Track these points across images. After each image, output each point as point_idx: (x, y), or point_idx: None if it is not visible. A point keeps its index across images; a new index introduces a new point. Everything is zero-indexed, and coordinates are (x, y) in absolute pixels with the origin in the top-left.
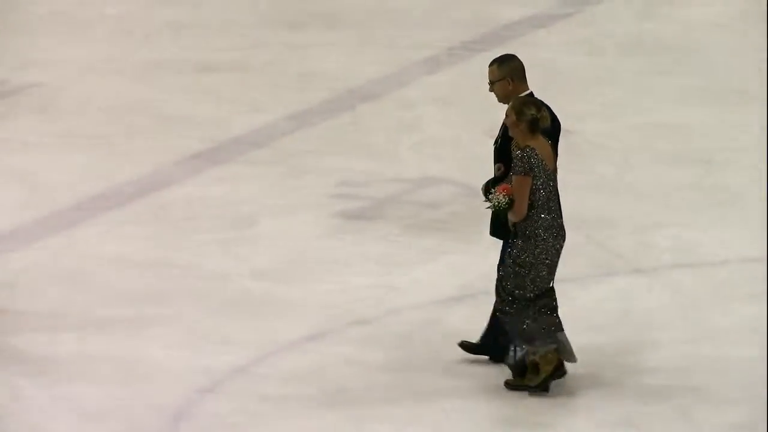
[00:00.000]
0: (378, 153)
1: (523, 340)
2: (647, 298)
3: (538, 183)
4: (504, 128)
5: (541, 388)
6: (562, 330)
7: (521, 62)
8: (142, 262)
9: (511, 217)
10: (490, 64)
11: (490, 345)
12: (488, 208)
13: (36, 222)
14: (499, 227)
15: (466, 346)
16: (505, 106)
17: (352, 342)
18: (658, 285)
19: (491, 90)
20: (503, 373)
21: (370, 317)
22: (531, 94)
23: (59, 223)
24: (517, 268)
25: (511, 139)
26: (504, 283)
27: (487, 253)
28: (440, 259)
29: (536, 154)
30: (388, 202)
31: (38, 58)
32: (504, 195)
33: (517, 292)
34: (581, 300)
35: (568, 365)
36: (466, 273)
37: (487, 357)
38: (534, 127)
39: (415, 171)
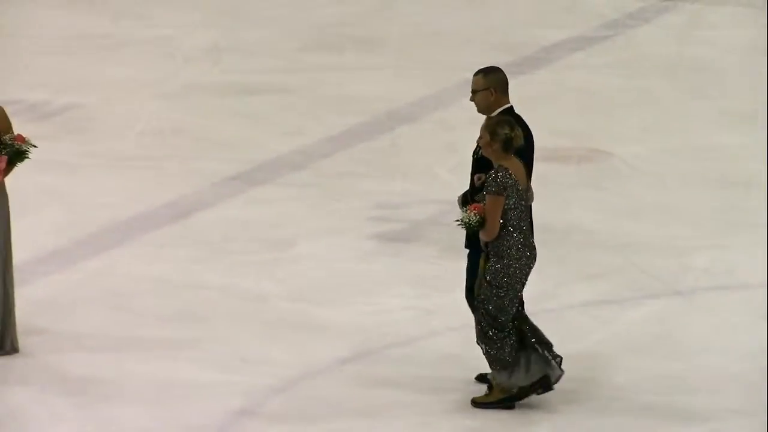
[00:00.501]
0: (416, 175)
1: (500, 368)
2: (685, 320)
3: (511, 203)
4: None
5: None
6: (529, 348)
7: (506, 76)
8: (181, 284)
9: (482, 236)
10: (475, 74)
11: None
12: (459, 225)
13: (75, 243)
14: (474, 241)
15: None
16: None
17: (389, 364)
18: (695, 307)
19: (472, 99)
20: (554, 397)
21: (406, 339)
22: (511, 108)
23: (98, 245)
24: (494, 290)
25: None
26: (486, 306)
27: None
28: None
29: (509, 174)
30: (425, 225)
31: (79, 80)
32: (475, 213)
33: (501, 318)
34: (620, 322)
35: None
36: None
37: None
38: (507, 146)
39: (453, 193)
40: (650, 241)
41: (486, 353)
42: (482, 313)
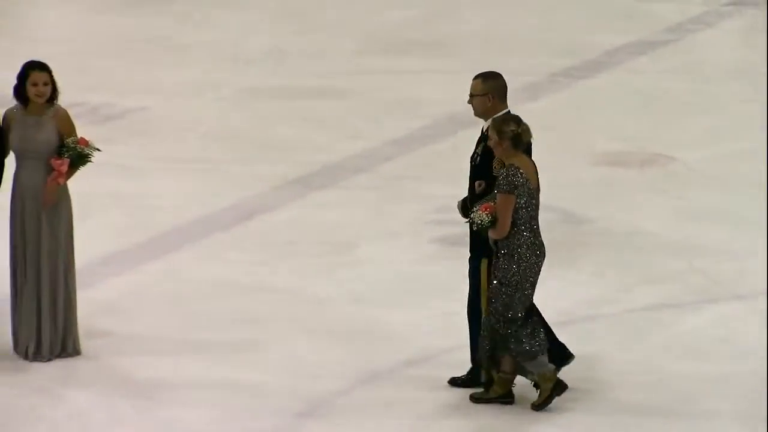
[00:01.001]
0: None
1: (529, 358)
2: (747, 324)
3: (522, 202)
4: (483, 145)
5: (542, 406)
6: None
7: (505, 82)
8: (243, 287)
9: (493, 235)
10: (475, 78)
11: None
12: (472, 226)
13: (137, 246)
14: (478, 246)
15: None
16: (481, 121)
17: (450, 367)
18: (756, 311)
19: (470, 102)
20: (618, 400)
21: (466, 343)
22: (509, 113)
23: (160, 248)
24: (503, 288)
25: (491, 156)
26: (494, 305)
27: (587, 280)
28: (541, 284)
29: (521, 173)
30: None
31: (141, 83)
32: (486, 213)
33: (509, 313)
34: (682, 326)
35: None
36: (565, 299)
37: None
38: (517, 142)
39: None
40: (712, 245)
41: (514, 353)
42: (491, 312)
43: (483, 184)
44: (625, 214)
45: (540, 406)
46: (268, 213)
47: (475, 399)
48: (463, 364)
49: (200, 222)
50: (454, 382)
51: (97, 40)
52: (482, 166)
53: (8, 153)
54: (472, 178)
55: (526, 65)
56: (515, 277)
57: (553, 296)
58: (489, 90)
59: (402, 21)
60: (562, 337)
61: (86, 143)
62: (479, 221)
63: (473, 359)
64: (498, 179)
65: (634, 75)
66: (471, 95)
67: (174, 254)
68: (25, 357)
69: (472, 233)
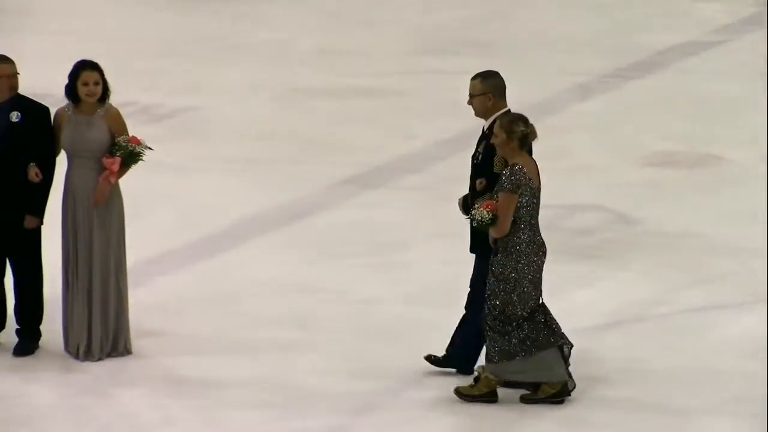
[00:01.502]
0: None
1: (505, 358)
2: None
3: (523, 200)
4: (484, 144)
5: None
6: (551, 347)
7: (503, 80)
8: (293, 287)
9: (493, 233)
10: (473, 78)
11: (456, 357)
12: (473, 223)
13: (188, 245)
14: (479, 244)
15: (432, 360)
16: (482, 120)
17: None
18: None
19: (469, 103)
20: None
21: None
22: (509, 112)
23: (211, 247)
24: (501, 285)
25: (492, 154)
26: (492, 301)
27: (637, 281)
28: (591, 285)
29: (524, 172)
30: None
31: (193, 83)
32: (487, 211)
33: (507, 309)
34: (732, 327)
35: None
36: (617, 300)
37: (454, 369)
38: (524, 143)
39: (567, 197)
40: (763, 246)
41: (490, 346)
42: (489, 308)
43: (484, 182)
44: (675, 215)
45: (463, 396)
46: (319, 213)
47: (460, 394)
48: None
49: (251, 222)
50: (431, 359)
51: (149, 39)
52: (484, 164)
53: (59, 152)
54: (474, 177)
55: (576, 66)
56: (512, 274)
57: (602, 297)
58: (488, 89)
59: (454, 21)
60: (612, 337)
61: (138, 142)
62: (479, 218)
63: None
64: (501, 178)
65: (685, 75)
66: (471, 95)
67: (225, 254)
68: (76, 356)
69: (476, 230)
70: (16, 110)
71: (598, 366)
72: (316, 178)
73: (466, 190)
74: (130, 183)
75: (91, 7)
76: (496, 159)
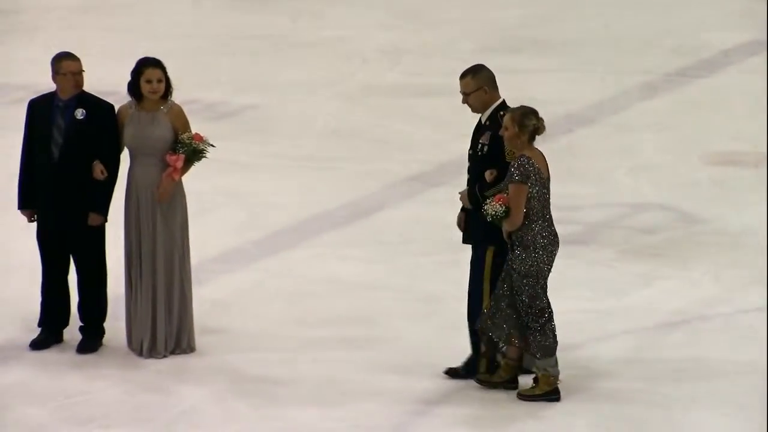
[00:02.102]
0: (594, 177)
1: (545, 355)
2: None
3: (534, 191)
4: (490, 135)
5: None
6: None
7: (491, 71)
8: (357, 284)
9: (507, 226)
10: (462, 77)
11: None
12: (485, 217)
13: (252, 243)
14: (466, 233)
15: (451, 372)
16: (477, 115)
17: (563, 367)
18: None
19: (465, 102)
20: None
21: (581, 342)
22: (504, 102)
23: (275, 245)
24: (524, 280)
25: (500, 144)
26: (520, 298)
27: (701, 280)
28: (655, 284)
29: (532, 163)
30: (601, 227)
31: (257, 80)
32: (500, 204)
33: (535, 303)
34: None
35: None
36: (681, 299)
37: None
38: (533, 136)
39: (631, 196)
40: None
41: (532, 342)
42: (519, 304)
43: (495, 173)
44: (739, 214)
45: (525, 397)
46: (383, 211)
47: (480, 381)
48: (576, 363)
49: (315, 219)
50: (451, 372)
51: (213, 36)
52: (491, 155)
53: (123, 149)
54: (475, 169)
55: (641, 64)
56: (534, 267)
57: (666, 296)
58: (482, 83)
59: (518, 19)
60: (674, 336)
61: (201, 139)
62: (493, 212)
63: (474, 347)
64: (510, 170)
65: (749, 75)
66: (465, 94)
67: (289, 252)
68: (140, 353)
69: (475, 223)
70: (82, 107)
71: (659, 365)
72: (380, 176)
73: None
74: (194, 181)
75: (156, 4)
76: (507, 150)
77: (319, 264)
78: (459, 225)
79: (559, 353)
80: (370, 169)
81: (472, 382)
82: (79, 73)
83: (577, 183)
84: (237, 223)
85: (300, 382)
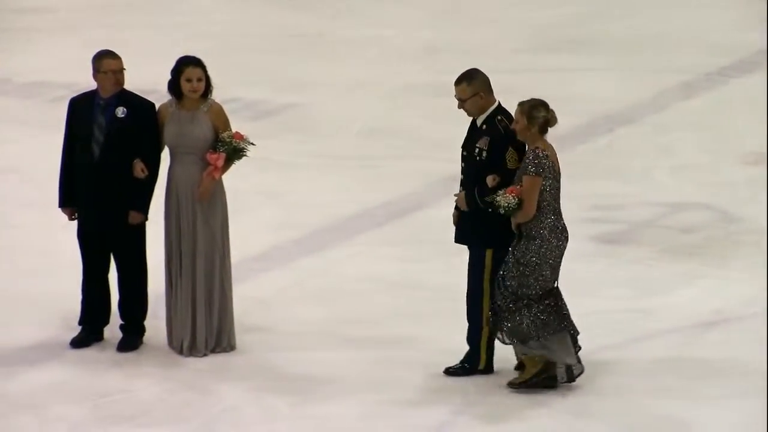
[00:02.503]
0: (634, 177)
1: (518, 339)
2: None
3: (547, 184)
4: (488, 140)
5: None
6: (561, 332)
7: (486, 75)
8: (396, 283)
9: (519, 218)
10: (457, 83)
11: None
12: (498, 209)
13: (292, 242)
14: (462, 233)
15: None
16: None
17: (602, 366)
18: None
19: (461, 107)
20: None
21: (621, 342)
22: (500, 105)
23: (315, 244)
24: (521, 268)
25: (500, 151)
26: (507, 282)
27: (740, 279)
28: (694, 284)
29: (546, 155)
30: (642, 226)
31: (297, 79)
32: (513, 196)
33: (521, 290)
34: None
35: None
36: (721, 298)
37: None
38: (544, 128)
39: (671, 195)
40: None
41: (503, 326)
42: (502, 288)
43: (498, 179)
44: None
45: (517, 386)
46: (422, 209)
47: (514, 385)
48: (616, 363)
49: (354, 218)
50: (449, 371)
51: (253, 35)
52: (491, 160)
53: (163, 148)
54: (475, 173)
55: (681, 64)
56: (534, 258)
57: (705, 295)
58: (477, 89)
59: (557, 18)
60: (714, 335)
61: (242, 138)
62: (505, 204)
63: (470, 344)
64: (525, 162)
65: None
66: (461, 100)
67: (328, 250)
68: (180, 352)
69: (471, 224)
70: (122, 106)
71: (699, 364)
72: (419, 175)
73: (570, 187)
74: (234, 180)
75: (196, 2)
76: (508, 155)
77: (358, 263)
78: (455, 223)
79: (599, 353)
80: (408, 168)
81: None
82: (120, 71)
83: (617, 182)
84: (276, 222)
85: (339, 380)
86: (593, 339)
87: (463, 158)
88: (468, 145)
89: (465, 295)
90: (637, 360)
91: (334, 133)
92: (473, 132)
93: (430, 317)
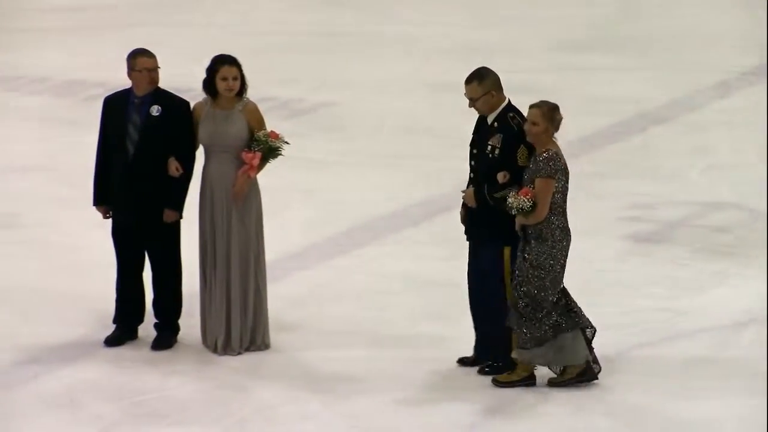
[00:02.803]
0: (668, 176)
1: (535, 343)
2: None
3: (559, 186)
4: (501, 138)
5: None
6: (574, 329)
7: (495, 73)
8: (430, 282)
9: (530, 220)
10: (468, 82)
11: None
12: (510, 211)
13: (327, 240)
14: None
15: (464, 361)
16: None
17: (636, 364)
18: None
19: (472, 106)
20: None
21: (655, 340)
22: (510, 102)
23: (349, 242)
24: (535, 272)
25: (512, 148)
26: (525, 288)
27: None
28: (728, 283)
29: (561, 157)
30: (677, 226)
31: (333, 78)
32: (527, 198)
33: (540, 295)
34: None
35: None
36: (754, 297)
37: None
38: (557, 129)
39: (705, 195)
40: None
41: (523, 333)
42: (519, 295)
43: (508, 175)
44: None
45: (502, 383)
46: (456, 209)
47: (498, 383)
48: (650, 362)
49: (390, 217)
50: (463, 361)
51: (289, 34)
52: (503, 157)
53: (198, 146)
54: (486, 170)
55: (716, 63)
56: (547, 260)
57: (739, 295)
58: (488, 88)
59: (587, 18)
60: (748, 334)
61: (277, 136)
62: (519, 206)
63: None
64: (538, 165)
65: None
66: (472, 99)
67: (363, 249)
68: (214, 350)
69: (479, 221)
70: (157, 104)
71: (733, 364)
72: (453, 174)
73: (604, 187)
74: (269, 178)
75: (230, 2)
76: (519, 152)
77: (394, 261)
78: (462, 221)
79: (632, 351)
80: (444, 167)
81: (544, 382)
82: (154, 69)
83: (652, 182)
84: (311, 220)
85: (374, 379)
86: (626, 337)
87: (473, 156)
88: (479, 143)
89: (470, 292)
90: (672, 359)
91: (370, 132)
92: (483, 130)
93: (465, 316)
